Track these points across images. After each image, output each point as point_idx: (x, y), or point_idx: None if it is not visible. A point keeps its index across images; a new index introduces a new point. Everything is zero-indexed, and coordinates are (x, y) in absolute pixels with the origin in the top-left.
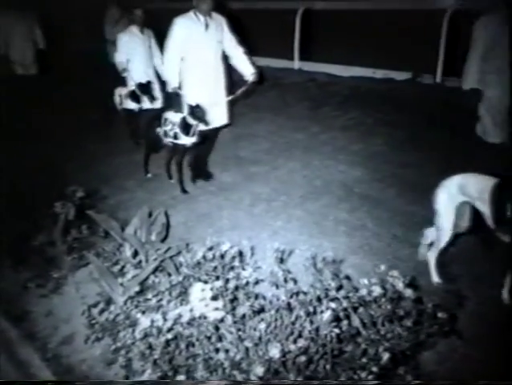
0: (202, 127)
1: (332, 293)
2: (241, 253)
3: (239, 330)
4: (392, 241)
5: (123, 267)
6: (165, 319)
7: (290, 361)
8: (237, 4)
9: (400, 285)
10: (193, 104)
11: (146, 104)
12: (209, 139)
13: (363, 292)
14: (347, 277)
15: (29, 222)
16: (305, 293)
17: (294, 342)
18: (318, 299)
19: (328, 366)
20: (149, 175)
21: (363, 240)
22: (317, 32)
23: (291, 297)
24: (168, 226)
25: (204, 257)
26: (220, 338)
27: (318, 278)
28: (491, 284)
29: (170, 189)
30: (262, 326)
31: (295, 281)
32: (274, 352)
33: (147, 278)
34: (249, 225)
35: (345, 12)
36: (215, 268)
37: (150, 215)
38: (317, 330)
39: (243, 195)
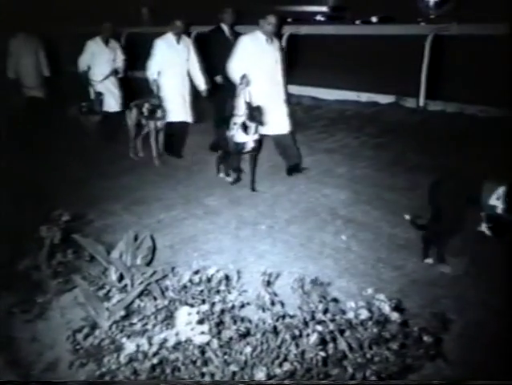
0: None
1: (319, 316)
2: (227, 277)
3: (225, 353)
4: (377, 264)
5: (108, 291)
6: (151, 344)
7: None
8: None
9: (386, 309)
10: None
11: None
12: None
13: (350, 315)
14: (335, 300)
15: (14, 246)
16: (291, 317)
17: (280, 365)
18: (305, 322)
19: None
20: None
21: (348, 262)
22: (302, 56)
23: (277, 320)
24: (153, 250)
25: (190, 280)
26: (206, 363)
27: (305, 301)
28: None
29: (156, 213)
30: (248, 349)
31: (282, 304)
32: (260, 376)
33: (132, 302)
34: (235, 249)
35: (330, 36)
36: (201, 292)
37: (136, 239)
38: (303, 353)
39: (229, 218)
